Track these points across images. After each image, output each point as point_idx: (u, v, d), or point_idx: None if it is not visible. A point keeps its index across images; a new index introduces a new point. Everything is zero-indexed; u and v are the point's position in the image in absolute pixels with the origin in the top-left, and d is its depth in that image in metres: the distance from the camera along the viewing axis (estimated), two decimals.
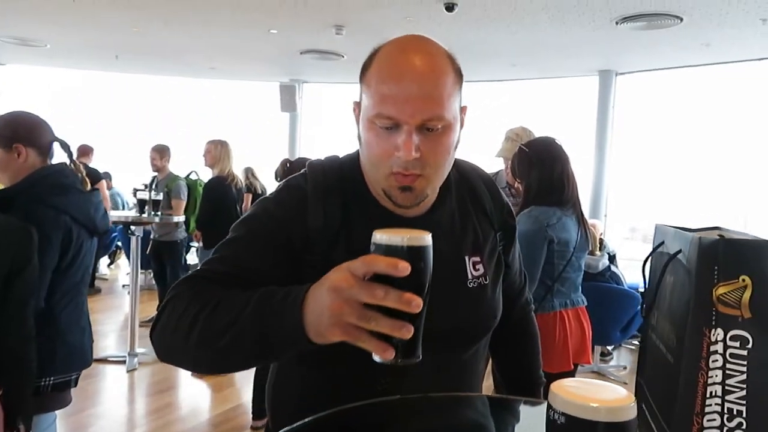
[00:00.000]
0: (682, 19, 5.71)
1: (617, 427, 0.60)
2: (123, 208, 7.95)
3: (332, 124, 10.33)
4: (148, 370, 4.56)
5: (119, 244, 8.11)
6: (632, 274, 5.18)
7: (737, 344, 0.74)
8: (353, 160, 1.08)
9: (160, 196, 4.99)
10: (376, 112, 0.93)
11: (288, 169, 3.67)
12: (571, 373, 2.45)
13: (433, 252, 0.71)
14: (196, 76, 10.42)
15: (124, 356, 4.59)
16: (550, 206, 2.40)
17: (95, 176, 5.90)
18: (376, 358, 0.70)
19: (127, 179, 7.87)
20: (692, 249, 0.78)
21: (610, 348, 5.46)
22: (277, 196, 1.06)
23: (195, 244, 6.06)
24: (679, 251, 0.84)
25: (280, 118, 10.40)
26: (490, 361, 1.38)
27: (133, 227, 4.74)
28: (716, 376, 0.74)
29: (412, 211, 1.02)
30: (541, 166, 2.43)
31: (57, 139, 1.96)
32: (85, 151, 6.81)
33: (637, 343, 5.72)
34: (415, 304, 0.66)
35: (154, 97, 11.08)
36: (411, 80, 0.91)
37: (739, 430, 0.73)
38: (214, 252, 1.00)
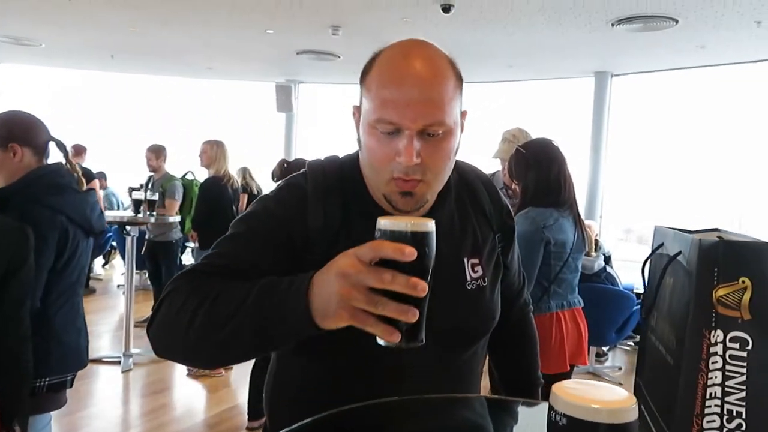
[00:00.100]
0: (677, 21, 5.73)
1: (619, 429, 0.60)
2: (118, 208, 7.93)
3: (328, 124, 10.33)
4: (143, 370, 4.54)
5: (114, 244, 8.08)
6: (627, 275, 5.19)
7: (737, 346, 0.74)
8: (353, 160, 1.08)
9: (156, 196, 4.98)
10: (377, 117, 0.92)
11: (286, 169, 3.66)
12: (567, 374, 2.45)
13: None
14: (193, 76, 10.41)
15: (119, 357, 4.57)
16: (547, 207, 2.40)
17: (88, 176, 5.87)
18: (381, 341, 0.72)
19: (122, 179, 7.85)
20: (692, 251, 0.78)
21: (605, 349, 5.47)
22: (278, 194, 1.06)
23: (190, 244, 6.05)
24: (679, 253, 0.84)
25: (276, 118, 10.39)
26: (487, 361, 1.38)
27: (128, 227, 4.72)
28: (716, 377, 0.74)
29: (412, 213, 1.02)
30: (538, 167, 2.43)
31: (53, 139, 1.95)
32: (78, 150, 6.79)
33: (632, 343, 5.74)
34: (421, 287, 0.68)
35: (150, 97, 11.07)
36: (412, 85, 0.91)
37: None
38: (213, 247, 0.99)
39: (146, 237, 5.35)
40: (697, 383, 0.75)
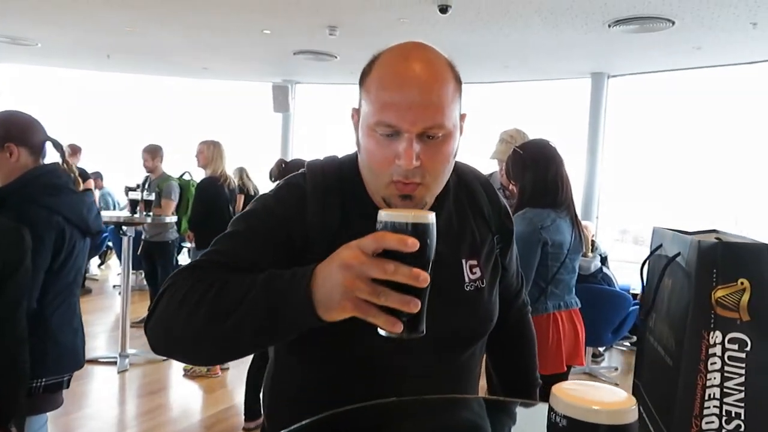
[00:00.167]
0: (673, 23, 5.75)
1: (619, 430, 0.60)
2: (114, 208, 7.91)
3: (325, 124, 10.33)
4: (139, 371, 4.53)
5: (110, 244, 8.07)
6: (623, 275, 5.21)
7: (736, 347, 0.74)
8: (352, 161, 1.08)
9: (152, 197, 4.97)
10: (377, 120, 0.92)
11: (284, 169, 3.66)
12: (564, 375, 2.46)
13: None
14: (189, 76, 10.39)
15: (115, 357, 4.56)
16: (544, 208, 2.40)
17: (82, 176, 5.85)
18: (383, 332, 0.73)
19: (118, 179, 7.83)
20: (691, 252, 0.78)
21: (601, 349, 5.48)
22: (277, 193, 1.06)
23: (187, 244, 6.03)
24: (678, 254, 0.84)
25: (272, 118, 10.38)
26: (484, 362, 1.38)
27: (124, 227, 4.71)
28: (715, 378, 0.74)
29: None
30: (536, 168, 2.43)
31: (49, 139, 1.95)
32: (73, 150, 6.76)
33: (628, 344, 5.75)
34: (423, 278, 0.69)
35: (147, 97, 11.04)
36: (413, 88, 0.91)
37: None
38: (213, 244, 0.98)
39: (142, 237, 5.33)
40: (696, 384, 0.75)
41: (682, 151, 8.65)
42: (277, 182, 1.12)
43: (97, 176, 7.96)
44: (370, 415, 0.99)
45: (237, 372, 4.37)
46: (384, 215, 0.73)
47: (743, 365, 0.74)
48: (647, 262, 0.99)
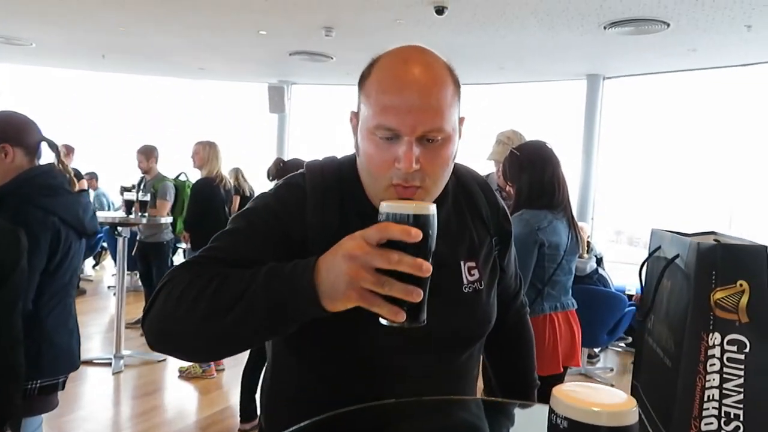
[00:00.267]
0: (669, 25, 5.77)
1: (619, 431, 0.60)
2: (109, 209, 7.88)
3: (321, 125, 10.33)
4: (134, 372, 4.52)
5: (105, 245, 8.04)
6: (618, 276, 5.22)
7: (735, 348, 0.74)
8: (351, 162, 1.08)
9: (147, 197, 4.95)
10: (376, 123, 0.92)
11: (282, 168, 3.65)
12: (560, 376, 2.46)
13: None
14: (185, 77, 10.36)
15: (110, 358, 4.54)
16: (541, 209, 2.41)
17: (75, 176, 5.83)
18: (384, 321, 0.74)
19: (113, 180, 7.81)
20: (690, 254, 0.78)
21: (596, 350, 5.49)
22: (277, 192, 1.06)
23: (182, 245, 6.02)
24: (677, 256, 0.84)
25: (268, 119, 10.37)
26: (482, 363, 1.39)
27: (120, 228, 4.69)
28: (714, 380, 0.75)
29: None
30: (532, 169, 2.44)
31: (45, 139, 1.94)
32: (67, 150, 6.73)
33: (623, 345, 5.77)
34: (426, 268, 0.70)
35: (142, 98, 11.01)
36: (412, 91, 0.91)
37: None
38: (212, 241, 0.98)
39: (137, 238, 5.31)
40: (695, 386, 0.75)
41: (677, 152, 8.69)
42: (276, 181, 1.12)
43: (93, 177, 7.94)
44: (368, 416, 0.99)
45: (232, 373, 4.36)
46: (386, 207, 0.75)
47: (742, 367, 0.74)
48: (646, 263, 0.99)
